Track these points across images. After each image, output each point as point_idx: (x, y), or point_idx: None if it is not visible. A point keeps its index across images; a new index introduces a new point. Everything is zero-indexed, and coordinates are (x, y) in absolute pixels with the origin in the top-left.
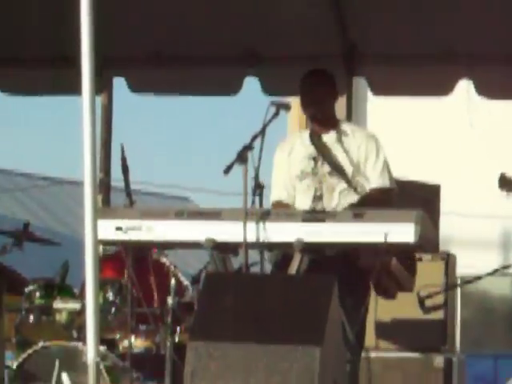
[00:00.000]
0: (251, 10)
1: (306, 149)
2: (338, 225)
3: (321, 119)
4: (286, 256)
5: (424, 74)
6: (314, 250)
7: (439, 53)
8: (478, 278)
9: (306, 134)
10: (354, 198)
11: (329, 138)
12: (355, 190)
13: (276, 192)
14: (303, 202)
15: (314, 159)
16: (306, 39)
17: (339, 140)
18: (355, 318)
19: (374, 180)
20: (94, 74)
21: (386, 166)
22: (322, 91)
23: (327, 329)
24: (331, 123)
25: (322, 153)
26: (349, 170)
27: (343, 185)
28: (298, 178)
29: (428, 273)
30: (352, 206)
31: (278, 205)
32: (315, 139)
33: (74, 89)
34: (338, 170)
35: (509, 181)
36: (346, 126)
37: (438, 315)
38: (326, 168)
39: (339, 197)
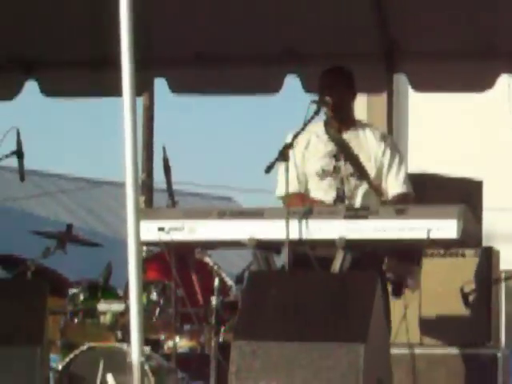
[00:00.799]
0: (290, 8)
1: (325, 145)
2: (381, 221)
3: (340, 119)
4: (298, 256)
5: (464, 70)
6: (356, 247)
7: (479, 48)
8: None
9: (322, 129)
10: (376, 197)
11: (349, 135)
12: (377, 192)
13: (290, 184)
14: (322, 200)
15: (335, 157)
16: (346, 36)
17: (359, 140)
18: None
19: (395, 186)
20: (135, 75)
21: (404, 169)
22: (339, 92)
23: (371, 326)
24: (349, 123)
25: (344, 151)
26: (371, 171)
27: (366, 186)
28: (318, 175)
29: (471, 268)
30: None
31: (301, 196)
32: (335, 136)
33: (115, 90)
34: (360, 170)
35: None
36: (363, 126)
37: (483, 310)
38: (349, 168)
39: (362, 199)
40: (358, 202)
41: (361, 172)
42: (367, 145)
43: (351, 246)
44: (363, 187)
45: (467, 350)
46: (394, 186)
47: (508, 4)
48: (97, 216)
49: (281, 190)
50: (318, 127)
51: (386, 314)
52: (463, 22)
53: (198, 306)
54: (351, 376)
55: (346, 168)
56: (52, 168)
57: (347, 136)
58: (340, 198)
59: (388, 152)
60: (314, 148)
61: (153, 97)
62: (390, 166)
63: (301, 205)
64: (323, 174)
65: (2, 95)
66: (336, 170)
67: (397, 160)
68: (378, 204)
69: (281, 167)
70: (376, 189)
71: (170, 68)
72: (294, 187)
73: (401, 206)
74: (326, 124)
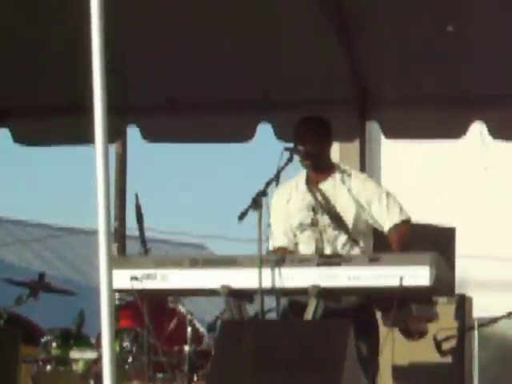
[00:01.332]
0: (264, 56)
1: (304, 198)
2: (354, 268)
3: (317, 168)
4: (295, 302)
5: (437, 117)
6: (329, 295)
7: (452, 96)
8: (495, 320)
9: (303, 181)
10: (355, 250)
11: (327, 184)
12: (355, 242)
13: (277, 239)
14: (305, 252)
15: (313, 209)
16: (319, 84)
17: (342, 181)
18: (370, 365)
19: (386, 220)
20: (107, 123)
21: (392, 200)
22: (315, 141)
23: (345, 373)
24: (328, 169)
25: (320, 203)
26: (351, 213)
27: (344, 237)
28: (298, 229)
29: (444, 316)
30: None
31: (281, 251)
32: (313, 188)
33: (88, 138)
34: (337, 221)
35: None
36: (342, 173)
37: (456, 358)
38: (327, 219)
39: (341, 249)
40: (335, 251)
41: (338, 223)
42: (351, 185)
43: (324, 293)
44: (342, 238)
45: None
46: (388, 217)
47: (481, 51)
48: (69, 264)
49: (270, 245)
50: (298, 179)
51: (372, 360)
52: (435, 69)
53: (171, 354)
54: None
55: (324, 219)
56: (24, 216)
57: (324, 186)
58: (319, 249)
59: (368, 189)
60: (294, 202)
61: (125, 144)
62: (376, 204)
63: None
64: (302, 227)
65: None
66: (314, 222)
67: (382, 193)
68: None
69: (272, 221)
70: (354, 240)
71: (143, 115)
72: (279, 242)
73: (374, 254)
74: (308, 177)
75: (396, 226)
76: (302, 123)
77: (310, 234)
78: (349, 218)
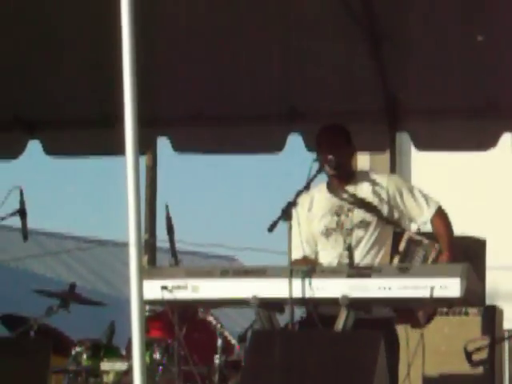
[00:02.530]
0: (293, 67)
1: (326, 204)
2: (384, 280)
3: (340, 176)
4: (310, 315)
5: (467, 129)
6: (360, 306)
7: (482, 107)
8: None
9: (323, 188)
10: (381, 246)
11: (350, 189)
12: (395, 225)
13: (299, 249)
14: (330, 257)
15: (337, 213)
16: (348, 95)
17: (371, 190)
18: (393, 377)
19: (425, 210)
20: (138, 135)
21: (419, 193)
22: (338, 149)
23: None
24: (350, 178)
25: (348, 199)
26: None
27: (370, 234)
28: (323, 235)
29: (475, 327)
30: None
31: (303, 261)
32: (336, 191)
33: (118, 150)
34: (371, 209)
35: None
36: (364, 177)
37: (486, 370)
38: (352, 220)
39: (366, 247)
40: (361, 252)
41: (375, 212)
42: (375, 190)
43: (354, 304)
44: (367, 236)
45: None
46: (420, 212)
47: (510, 63)
48: (100, 276)
49: (294, 255)
50: (318, 188)
51: (393, 375)
52: (465, 79)
53: (202, 364)
54: None
55: (349, 221)
56: (55, 228)
57: (350, 189)
58: (348, 249)
59: (392, 185)
60: (316, 209)
61: (155, 156)
62: (401, 196)
63: None
64: (327, 232)
65: (6, 154)
66: (339, 225)
67: (406, 187)
68: (381, 254)
69: (293, 231)
70: (393, 222)
71: (173, 127)
72: (301, 252)
73: (404, 264)
74: (329, 184)
75: (437, 212)
76: (323, 132)
77: (337, 237)
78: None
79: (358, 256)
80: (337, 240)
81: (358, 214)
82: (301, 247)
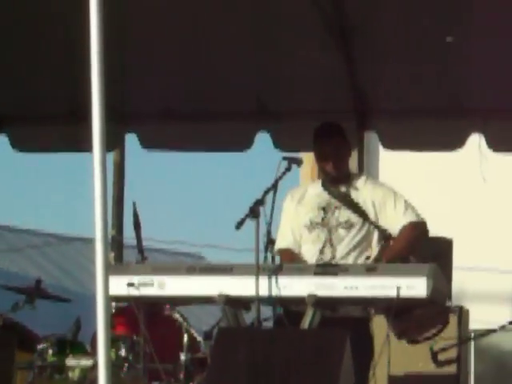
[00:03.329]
0: (262, 66)
1: (317, 198)
2: (351, 279)
3: (337, 175)
4: (289, 311)
5: (435, 129)
6: (326, 305)
7: (450, 107)
8: (491, 331)
9: (319, 184)
10: (362, 249)
11: (345, 189)
12: (378, 228)
13: (283, 239)
14: (310, 252)
15: (324, 209)
16: (318, 94)
17: (356, 191)
18: (363, 377)
19: (400, 219)
20: (105, 130)
21: (409, 204)
22: (338, 148)
23: (340, 382)
24: (345, 178)
25: (342, 198)
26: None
27: (352, 236)
28: (306, 227)
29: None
30: (383, 249)
31: (286, 252)
32: (333, 191)
33: (86, 145)
34: (358, 210)
35: None
36: (358, 179)
37: (452, 369)
38: (337, 218)
39: (347, 248)
40: (341, 251)
41: (362, 215)
42: (361, 194)
43: (321, 303)
44: (350, 237)
45: None
46: (396, 220)
47: (479, 64)
48: (66, 272)
49: (277, 245)
50: (314, 183)
51: (364, 373)
52: (434, 80)
53: (167, 362)
54: None
55: (334, 219)
56: (20, 223)
57: (344, 189)
58: (326, 248)
59: (379, 193)
60: (306, 202)
61: (123, 152)
62: (385, 203)
63: (288, 260)
64: (311, 226)
65: None
66: (324, 221)
67: (391, 196)
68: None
69: (282, 221)
70: (379, 227)
71: (142, 123)
72: (285, 242)
73: (371, 264)
74: (324, 181)
75: (410, 225)
76: (322, 129)
77: (319, 232)
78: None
79: (338, 256)
80: (319, 235)
81: (345, 213)
82: (286, 237)
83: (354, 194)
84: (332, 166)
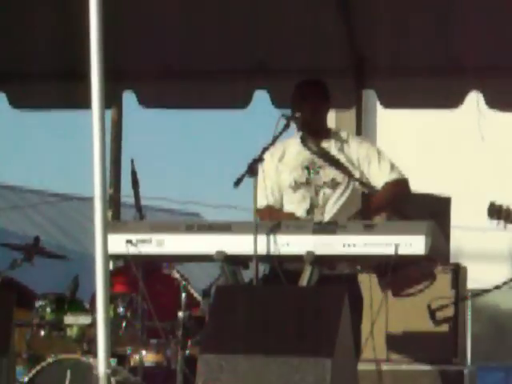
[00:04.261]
0: (261, 23)
1: (298, 157)
2: (349, 237)
3: (315, 128)
4: (273, 270)
5: (433, 87)
6: (324, 263)
7: (448, 65)
8: (488, 290)
9: (297, 141)
10: (350, 207)
11: (325, 145)
12: (365, 187)
13: (263, 198)
14: (297, 213)
15: (308, 168)
16: (316, 52)
17: (339, 149)
18: (356, 334)
19: (385, 175)
20: (104, 88)
21: (393, 163)
22: (316, 102)
23: (338, 340)
24: (324, 133)
25: (326, 158)
26: (355, 172)
27: (338, 195)
28: (291, 187)
29: (438, 285)
30: (366, 202)
31: (269, 210)
32: (313, 147)
33: (84, 103)
34: (346, 173)
35: (499, 209)
36: (338, 135)
37: (449, 328)
38: (322, 178)
39: (333, 207)
40: (329, 211)
41: (346, 173)
42: (343, 150)
43: (319, 261)
44: (336, 196)
45: (434, 367)
46: (380, 176)
47: (477, 22)
48: (64, 230)
49: (257, 203)
50: (292, 140)
51: (356, 331)
52: (432, 38)
53: (165, 320)
54: None
55: (319, 178)
56: (19, 182)
57: (325, 145)
58: (312, 207)
59: (363, 150)
60: (287, 161)
61: (121, 111)
62: (370, 161)
63: (268, 218)
64: (296, 186)
65: None
66: (308, 181)
67: (375, 153)
68: (374, 198)
69: (257, 181)
70: (364, 184)
71: (139, 81)
72: (265, 200)
73: (369, 221)
74: (303, 138)
75: (394, 182)
76: (301, 86)
77: (305, 193)
78: (354, 171)
79: (326, 215)
80: (304, 196)
81: (330, 172)
82: (265, 196)
83: (335, 151)
84: (310, 111)
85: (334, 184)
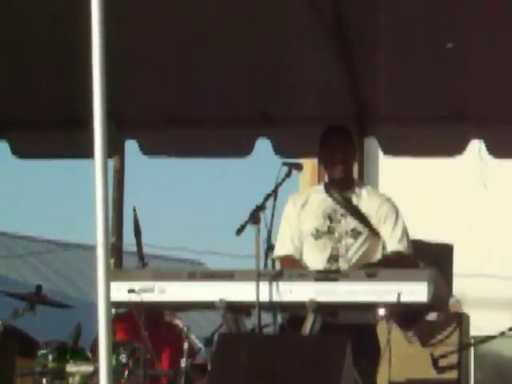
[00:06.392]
0: (263, 72)
1: (320, 205)
2: (351, 284)
3: (342, 179)
4: (293, 317)
5: (435, 135)
6: (327, 310)
7: (450, 113)
8: (492, 337)
9: (321, 189)
10: (370, 258)
11: (348, 195)
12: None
13: (284, 246)
14: (317, 261)
15: (330, 217)
16: (318, 100)
17: (358, 199)
18: (370, 381)
19: (393, 243)
20: (106, 137)
21: (406, 231)
22: (346, 150)
23: None
24: (349, 183)
25: (347, 205)
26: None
27: (359, 244)
28: (312, 236)
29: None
30: (370, 266)
31: (287, 259)
32: (337, 195)
33: (87, 152)
34: (363, 219)
35: None
36: (362, 188)
37: (452, 375)
38: (344, 227)
39: (354, 256)
40: (349, 260)
41: (367, 225)
42: (366, 207)
43: (322, 308)
44: (356, 245)
45: None
46: (389, 242)
47: (478, 70)
48: (66, 278)
49: (277, 251)
50: (316, 188)
51: (371, 378)
52: (434, 87)
53: (168, 368)
54: None
55: (341, 227)
56: (21, 230)
57: (347, 195)
58: (333, 257)
59: (390, 215)
60: (310, 208)
61: (123, 159)
62: (391, 226)
63: (289, 268)
64: (317, 235)
65: None
66: (330, 230)
67: (393, 217)
68: (376, 263)
69: (281, 227)
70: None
71: (142, 130)
72: (287, 249)
73: (372, 269)
74: (327, 186)
75: (399, 254)
76: (331, 131)
77: (326, 241)
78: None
79: (346, 265)
80: (325, 244)
81: (351, 222)
82: (286, 244)
83: (356, 201)
84: (341, 170)
85: (355, 234)
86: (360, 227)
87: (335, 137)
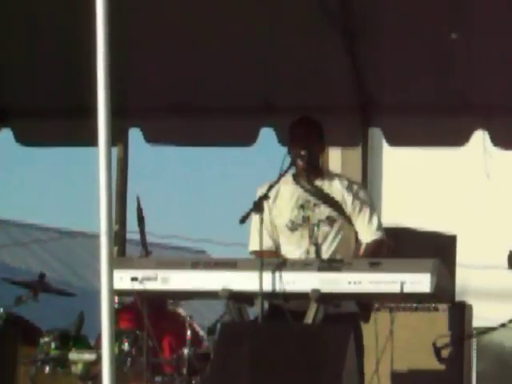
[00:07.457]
0: (267, 61)
1: (293, 196)
2: (354, 274)
3: (307, 169)
4: (273, 307)
5: (439, 125)
6: (330, 300)
7: (454, 103)
8: (493, 328)
9: (289, 180)
10: (348, 243)
11: (318, 184)
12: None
13: (259, 241)
14: (296, 253)
15: (303, 207)
16: (322, 90)
17: (331, 186)
18: (359, 372)
19: (372, 232)
20: (110, 126)
21: (376, 216)
22: (309, 143)
23: (343, 379)
24: (317, 173)
25: (318, 193)
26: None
27: (336, 231)
28: (287, 228)
29: (444, 323)
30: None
31: (266, 253)
32: (306, 186)
33: (90, 140)
34: (335, 206)
35: None
36: (333, 177)
37: (454, 365)
38: (318, 215)
39: (332, 244)
40: (327, 248)
41: (340, 211)
42: (339, 192)
43: (325, 298)
44: (333, 233)
45: None
46: (368, 230)
47: (482, 60)
48: (69, 266)
49: (253, 245)
50: (284, 180)
51: (359, 369)
52: (438, 76)
53: (171, 356)
54: None
55: (315, 217)
56: (24, 218)
57: (319, 184)
58: (316, 245)
59: (356, 200)
60: (281, 201)
61: (127, 147)
62: (359, 213)
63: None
64: (293, 226)
65: None
66: (305, 220)
67: (367, 207)
68: (348, 252)
69: (253, 221)
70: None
71: (145, 118)
72: (266, 244)
73: (375, 259)
74: (296, 176)
75: (377, 243)
76: (296, 125)
77: (303, 232)
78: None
79: (325, 252)
80: (302, 235)
81: (325, 210)
82: (266, 239)
83: (328, 190)
84: (305, 160)
85: (330, 221)
86: (334, 215)
87: (297, 129)
